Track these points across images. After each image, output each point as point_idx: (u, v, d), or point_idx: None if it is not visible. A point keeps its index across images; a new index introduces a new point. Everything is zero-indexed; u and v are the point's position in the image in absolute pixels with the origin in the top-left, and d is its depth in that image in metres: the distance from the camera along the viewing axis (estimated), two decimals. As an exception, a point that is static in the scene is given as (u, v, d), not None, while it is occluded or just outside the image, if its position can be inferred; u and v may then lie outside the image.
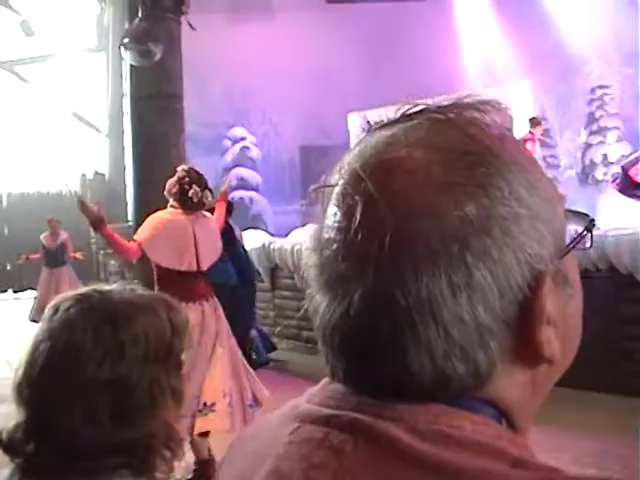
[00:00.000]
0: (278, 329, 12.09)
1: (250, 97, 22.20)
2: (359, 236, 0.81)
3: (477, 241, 0.79)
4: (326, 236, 0.85)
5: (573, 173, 20.88)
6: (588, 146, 20.55)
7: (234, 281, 9.88)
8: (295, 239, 13.36)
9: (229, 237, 9.18)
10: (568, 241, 0.88)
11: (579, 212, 0.94)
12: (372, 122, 19.97)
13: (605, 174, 20.01)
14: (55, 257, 15.38)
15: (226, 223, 8.00)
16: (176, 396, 1.63)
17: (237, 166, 23.74)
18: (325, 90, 21.46)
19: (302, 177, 23.73)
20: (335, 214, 0.85)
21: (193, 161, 14.02)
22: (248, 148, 23.93)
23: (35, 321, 14.73)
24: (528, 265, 0.82)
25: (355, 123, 20.26)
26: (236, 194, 23.52)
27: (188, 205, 6.60)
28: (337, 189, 0.87)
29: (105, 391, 1.52)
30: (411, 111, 0.90)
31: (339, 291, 0.83)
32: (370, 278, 0.80)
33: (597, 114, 20.40)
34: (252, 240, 13.51)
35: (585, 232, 0.91)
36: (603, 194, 19.52)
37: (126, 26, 12.44)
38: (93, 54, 26.31)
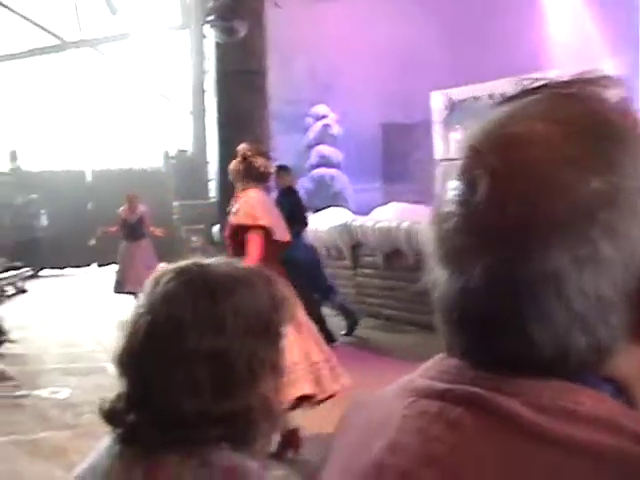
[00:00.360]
0: (359, 307, 12.08)
1: (332, 74, 22.14)
2: (483, 209, 0.81)
3: (604, 215, 0.78)
4: (447, 210, 0.85)
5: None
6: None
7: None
8: (377, 217, 13.34)
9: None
10: None
11: None
12: (455, 100, 19.87)
13: None
14: (133, 230, 15.53)
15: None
16: (276, 370, 1.63)
17: (319, 144, 23.78)
18: (407, 68, 21.32)
19: (383, 155, 23.67)
20: (457, 188, 0.84)
21: (276, 138, 14.13)
22: (330, 125, 23.92)
23: (119, 293, 15.01)
24: None
25: (438, 101, 20.14)
26: (317, 172, 23.58)
27: (259, 178, 6.75)
28: (459, 163, 0.86)
29: (205, 363, 1.53)
30: (531, 86, 0.89)
31: (459, 264, 0.83)
32: (493, 251, 0.80)
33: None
34: (333, 217, 13.53)
35: None
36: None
37: (210, 4, 12.49)
38: (176, 32, 26.48)
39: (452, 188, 0.85)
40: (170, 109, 26.54)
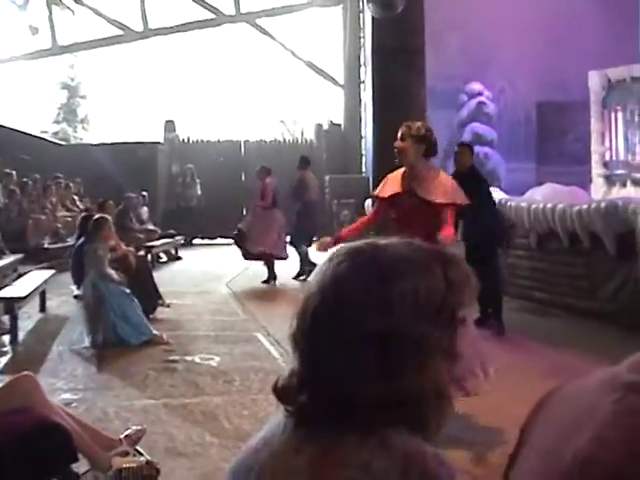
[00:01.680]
0: (509, 289, 11.91)
1: (487, 51, 21.85)
2: None
3: None
4: None
5: None
6: None
7: None
8: (532, 198, 13.12)
9: None
10: None
11: None
12: (613, 80, 19.34)
13: None
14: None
15: None
16: (449, 355, 1.60)
17: (473, 121, 23.50)
18: (564, 46, 20.88)
19: (538, 134, 23.23)
20: None
21: (430, 115, 14.03)
22: (484, 103, 23.61)
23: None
24: None
25: (595, 81, 19.62)
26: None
27: (436, 152, 6.88)
28: None
29: (372, 345, 1.51)
30: None
31: None
32: None
33: None
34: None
35: None
36: None
37: (369, -21, 12.45)
38: (331, 7, 26.56)
39: None
40: (324, 83, 26.67)
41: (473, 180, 10.05)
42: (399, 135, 6.69)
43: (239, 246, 15.74)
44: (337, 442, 1.50)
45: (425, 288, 1.57)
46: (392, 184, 6.82)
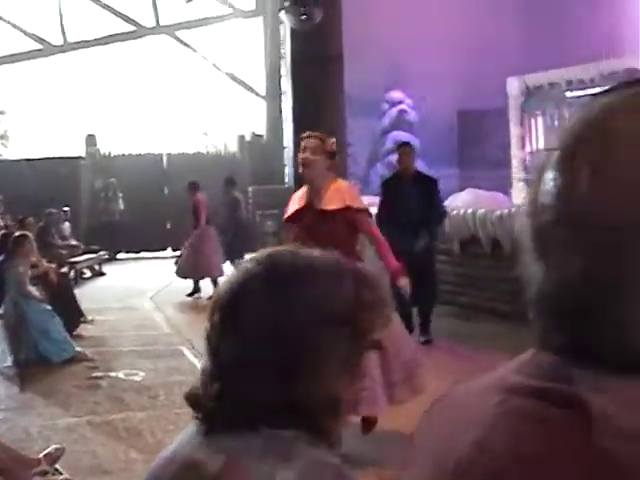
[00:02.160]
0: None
1: (408, 60, 22.06)
2: (583, 201, 0.78)
3: None
4: (544, 201, 0.82)
5: None
6: None
7: None
8: (454, 204, 13.26)
9: None
10: None
11: None
12: (531, 86, 19.66)
13: None
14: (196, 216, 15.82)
15: None
16: (349, 368, 1.60)
17: (394, 129, 23.70)
18: (483, 54, 21.19)
19: (459, 141, 23.51)
20: (555, 179, 0.82)
21: (350, 123, 14.11)
22: (405, 111, 23.84)
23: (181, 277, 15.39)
24: None
25: (514, 87, 19.92)
26: (393, 157, 23.54)
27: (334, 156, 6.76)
28: (557, 154, 0.83)
29: (273, 350, 1.53)
30: (629, 79, 0.87)
31: (556, 259, 0.80)
32: (592, 245, 0.77)
33: None
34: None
35: None
36: None
37: (286, -11, 12.51)
38: (251, 18, 26.63)
39: (550, 179, 0.83)
40: (245, 94, 26.71)
41: (430, 181, 10.12)
42: (309, 147, 6.50)
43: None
44: (243, 452, 1.50)
45: (329, 298, 1.57)
46: (294, 203, 6.66)
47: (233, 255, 15.58)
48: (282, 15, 12.21)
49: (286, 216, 6.71)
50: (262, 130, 25.89)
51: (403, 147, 10.58)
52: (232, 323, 1.57)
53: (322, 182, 6.50)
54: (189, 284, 15.22)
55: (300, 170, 6.58)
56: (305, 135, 6.62)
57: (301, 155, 6.52)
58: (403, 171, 10.09)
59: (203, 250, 15.22)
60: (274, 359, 1.52)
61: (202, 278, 15.09)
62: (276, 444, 1.49)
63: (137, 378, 8.74)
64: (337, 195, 6.43)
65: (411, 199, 8.64)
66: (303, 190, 6.64)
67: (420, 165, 23.46)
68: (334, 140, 6.73)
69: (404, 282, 6.56)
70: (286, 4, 11.88)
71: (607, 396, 0.77)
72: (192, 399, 1.62)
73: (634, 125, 0.79)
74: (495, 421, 0.83)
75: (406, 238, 9.28)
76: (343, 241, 6.04)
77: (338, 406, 1.57)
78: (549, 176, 0.83)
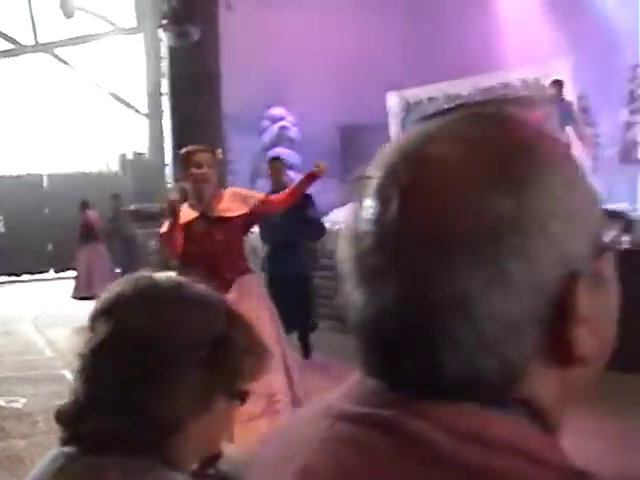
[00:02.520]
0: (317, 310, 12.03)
1: (288, 77, 22.06)
2: (395, 230, 0.80)
3: (511, 238, 0.78)
4: (362, 229, 0.84)
5: (613, 152, 20.72)
6: (629, 125, 20.38)
7: None
8: (335, 218, 13.33)
9: None
10: (604, 240, 0.86)
11: (615, 212, 0.92)
12: (410, 101, 19.95)
13: (646, 153, 19.88)
14: (86, 235, 15.66)
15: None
16: (205, 405, 1.60)
17: (275, 146, 23.69)
18: (363, 69, 21.32)
19: (341, 157, 23.63)
20: (372, 207, 0.84)
21: (231, 141, 14.10)
22: (287, 128, 23.86)
23: (77, 298, 15.04)
24: (563, 264, 0.81)
25: (394, 102, 20.19)
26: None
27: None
28: (375, 181, 0.86)
29: (129, 371, 1.54)
30: (451, 106, 0.90)
31: (374, 286, 0.82)
32: (404, 273, 0.79)
33: (638, 92, 20.24)
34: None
35: (622, 232, 0.89)
36: (643, 173, 19.37)
37: (164, 7, 12.47)
38: (132, 35, 26.36)
39: (367, 206, 0.85)
40: (127, 112, 26.41)
41: (303, 196, 9.95)
42: (204, 162, 6.42)
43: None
44: (99, 475, 1.50)
45: (194, 329, 1.58)
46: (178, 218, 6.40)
47: (124, 272, 15.41)
48: (160, 33, 12.13)
49: (166, 230, 6.41)
50: (144, 148, 25.63)
51: (273, 162, 10.44)
52: (97, 344, 1.57)
53: (213, 193, 6.48)
54: (73, 306, 14.95)
55: (195, 186, 6.50)
56: (194, 149, 6.53)
57: (198, 171, 6.40)
58: (274, 187, 9.72)
59: (96, 268, 15.06)
60: (132, 379, 1.52)
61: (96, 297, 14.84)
62: (131, 470, 1.50)
63: (18, 405, 8.55)
64: (235, 202, 6.43)
65: (284, 215, 8.54)
66: (185, 205, 6.48)
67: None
68: (220, 150, 6.74)
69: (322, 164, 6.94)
70: (164, 22, 11.83)
71: (427, 422, 0.79)
72: (60, 417, 1.61)
73: (443, 153, 0.82)
74: (320, 447, 0.84)
75: (281, 257, 9.35)
76: (236, 248, 6.20)
77: (187, 432, 1.57)
78: (367, 202, 0.85)
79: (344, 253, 0.87)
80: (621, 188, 18.61)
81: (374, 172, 0.87)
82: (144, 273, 1.69)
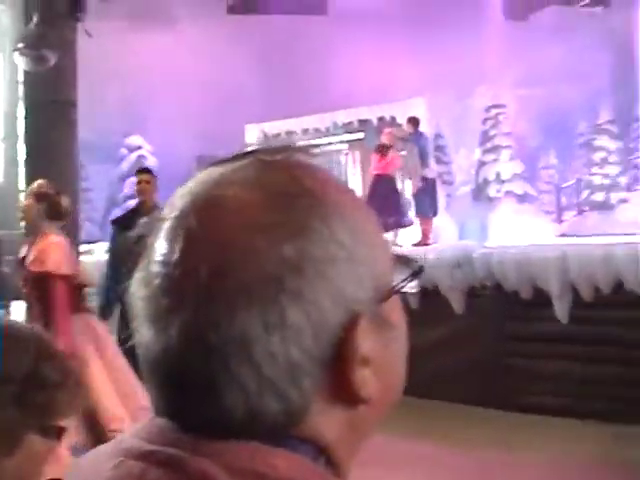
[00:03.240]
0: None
1: (148, 105, 21.90)
2: (179, 271, 0.82)
3: (292, 281, 0.80)
4: (153, 269, 0.85)
5: (467, 190, 21.24)
6: (482, 164, 20.95)
7: None
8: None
9: None
10: (394, 284, 0.89)
11: (406, 257, 0.94)
12: (269, 134, 20.06)
13: (498, 191, 20.43)
14: None
15: None
16: (10, 441, 1.54)
17: (133, 175, 23.39)
18: (224, 101, 21.36)
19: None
20: (162, 247, 0.85)
21: (87, 169, 13.89)
22: (144, 157, 23.64)
23: None
24: (344, 307, 0.83)
25: (253, 134, 20.27)
26: (132, 203, 23.24)
27: (63, 216, 6.41)
28: (166, 223, 0.87)
29: None
30: (242, 152, 0.91)
31: (161, 325, 0.83)
32: (187, 314, 0.80)
33: (491, 133, 20.85)
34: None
35: (410, 277, 0.92)
36: (495, 211, 19.92)
37: (21, 31, 12.24)
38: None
39: (158, 247, 0.85)
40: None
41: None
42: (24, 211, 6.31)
43: None
44: None
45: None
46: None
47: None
48: (16, 57, 11.86)
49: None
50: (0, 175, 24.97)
51: (142, 174, 9.00)
52: None
53: (39, 233, 6.23)
54: None
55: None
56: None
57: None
58: (141, 204, 8.57)
59: None
60: None
61: None
62: None
63: None
64: (40, 255, 6.06)
65: None
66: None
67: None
68: (42, 182, 6.42)
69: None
70: (20, 45, 11.57)
71: (209, 460, 0.79)
72: None
73: (229, 197, 0.83)
74: None
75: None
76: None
77: (2, 476, 1.53)
78: (158, 244, 0.86)
79: (136, 292, 0.88)
80: (473, 225, 19.09)
81: (167, 213, 0.88)
82: None
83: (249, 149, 0.92)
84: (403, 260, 0.93)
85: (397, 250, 0.95)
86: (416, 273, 0.93)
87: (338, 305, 0.82)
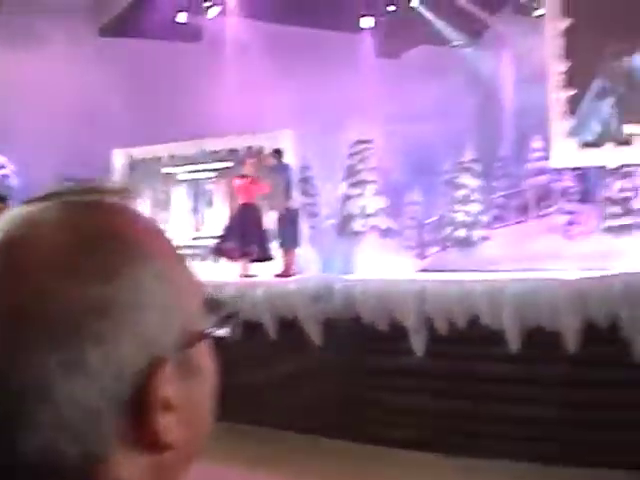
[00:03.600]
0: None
1: (13, 126, 21.48)
2: None
3: (94, 325, 0.79)
4: None
5: (332, 223, 21.43)
6: (347, 197, 21.17)
7: None
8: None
9: None
10: (202, 329, 0.89)
11: (218, 301, 0.95)
12: (136, 159, 19.92)
13: (363, 225, 20.65)
14: None
15: None
16: None
17: (-8, 196, 22.87)
18: (92, 124, 21.07)
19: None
20: None
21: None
22: (8, 176, 23.17)
23: None
24: (147, 352, 0.82)
25: (120, 159, 20.11)
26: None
27: None
28: None
29: None
30: (49, 192, 0.90)
31: None
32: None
33: (358, 167, 21.10)
34: None
35: (221, 322, 0.93)
36: (360, 244, 20.14)
37: None
38: None
39: None
40: None
41: None
42: None
43: None
44: None
45: None
46: None
47: None
48: None
49: None
50: None
51: None
52: None
53: None
54: None
55: None
56: None
57: None
58: None
59: None
60: None
61: None
62: None
63: None
64: None
65: None
66: None
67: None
68: None
69: None
70: None
71: None
72: None
73: (30, 237, 0.83)
74: None
75: None
76: None
77: None
78: None
79: None
80: (337, 258, 19.26)
81: None
82: None
83: (54, 189, 0.90)
84: (215, 304, 0.94)
85: (210, 294, 0.94)
86: (228, 317, 0.93)
87: (141, 350, 0.82)
